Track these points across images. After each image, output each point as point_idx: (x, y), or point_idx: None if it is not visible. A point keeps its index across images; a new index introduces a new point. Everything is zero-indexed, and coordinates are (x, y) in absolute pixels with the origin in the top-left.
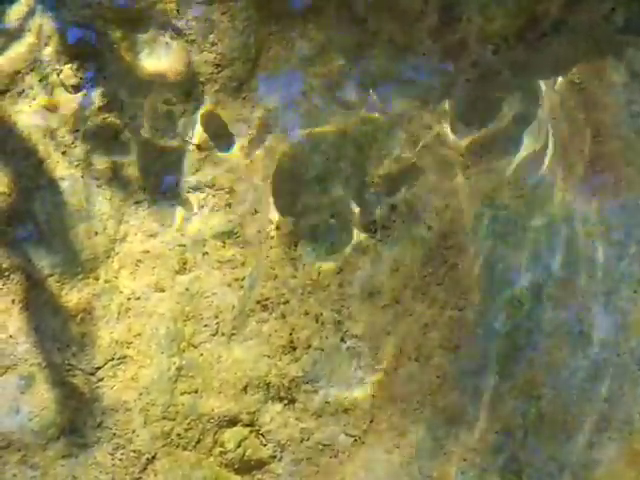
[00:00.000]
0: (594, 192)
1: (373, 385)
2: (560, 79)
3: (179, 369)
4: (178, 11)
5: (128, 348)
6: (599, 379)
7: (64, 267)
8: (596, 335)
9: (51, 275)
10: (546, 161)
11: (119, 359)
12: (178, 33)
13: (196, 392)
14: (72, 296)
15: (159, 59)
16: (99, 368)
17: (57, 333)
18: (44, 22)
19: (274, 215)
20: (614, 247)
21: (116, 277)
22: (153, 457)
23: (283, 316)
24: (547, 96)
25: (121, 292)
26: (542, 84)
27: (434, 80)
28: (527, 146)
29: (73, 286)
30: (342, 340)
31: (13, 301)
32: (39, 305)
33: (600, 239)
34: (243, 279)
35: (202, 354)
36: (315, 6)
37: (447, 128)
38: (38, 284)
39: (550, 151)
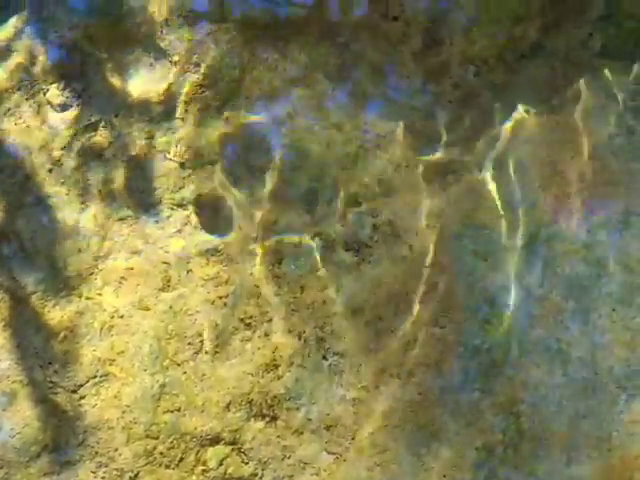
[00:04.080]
0: (572, 212)
1: (355, 402)
2: (538, 101)
3: (162, 387)
4: (162, 32)
5: (111, 366)
6: (577, 397)
7: (47, 284)
8: (574, 353)
9: (34, 292)
10: (525, 181)
11: (102, 377)
12: (162, 54)
13: (179, 410)
14: (55, 314)
15: (143, 79)
16: (81, 386)
17: (40, 350)
18: (31, 43)
19: (258, 232)
20: (592, 266)
21: (100, 294)
22: (136, 475)
23: (266, 334)
24: (525, 117)
25: (104, 310)
26: (521, 105)
27: (417, 101)
28: (506, 166)
29: (56, 303)
30: (324, 358)
31: None
32: (22, 322)
33: (578, 258)
34: (227, 297)
35: (185, 372)
36: (299, 29)
37: (428, 148)
38: (21, 301)
39: (529, 171)
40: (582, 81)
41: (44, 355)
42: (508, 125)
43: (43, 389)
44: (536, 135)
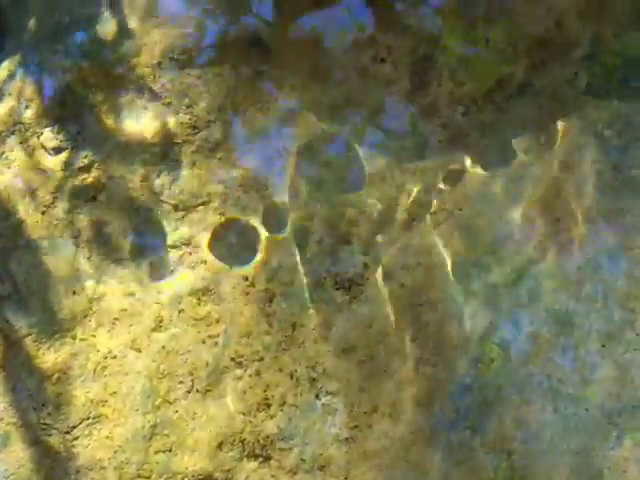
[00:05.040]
0: (561, 248)
1: (348, 442)
2: (526, 139)
3: (154, 427)
4: (155, 75)
5: (103, 406)
6: (569, 434)
7: (41, 327)
8: (565, 390)
9: (28, 335)
10: (515, 218)
11: (94, 418)
12: (155, 96)
13: (170, 450)
14: (49, 356)
15: (137, 121)
16: (74, 427)
17: (33, 392)
18: (25, 86)
19: (249, 272)
20: (581, 302)
21: (93, 336)
22: None
23: (258, 373)
24: (514, 155)
25: (98, 351)
26: (509, 144)
27: (406, 141)
28: (496, 204)
29: (50, 346)
30: (317, 397)
31: None
32: (16, 365)
33: (567, 295)
34: (218, 336)
35: (177, 411)
36: (290, 69)
37: (419, 187)
38: (15, 344)
39: (518, 209)
40: (569, 119)
41: (38, 397)
42: (496, 163)
43: (37, 431)
44: (524, 172)
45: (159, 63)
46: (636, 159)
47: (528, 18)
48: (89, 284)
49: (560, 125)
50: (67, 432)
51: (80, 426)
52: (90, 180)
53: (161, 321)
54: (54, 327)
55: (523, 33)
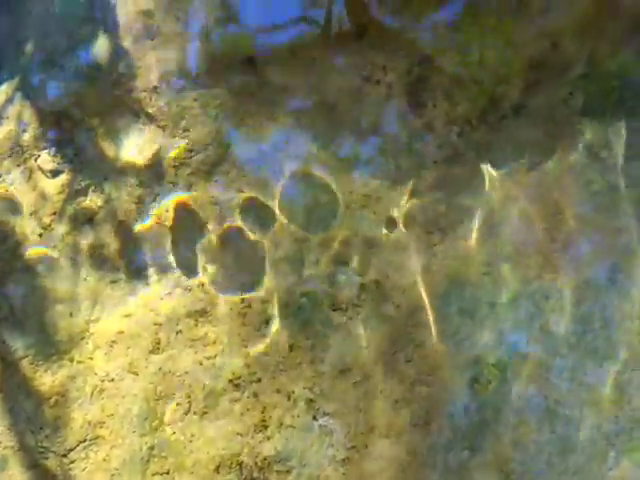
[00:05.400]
0: (557, 268)
1: (345, 463)
2: (521, 159)
3: (151, 449)
4: (151, 98)
5: (101, 429)
6: (567, 454)
7: (38, 349)
8: (562, 411)
9: (25, 357)
10: (510, 239)
11: (91, 440)
12: (151, 120)
13: (167, 473)
14: (46, 378)
15: (133, 144)
16: (71, 450)
17: (31, 415)
18: (23, 109)
19: (246, 293)
20: (578, 323)
21: (91, 358)
22: None
23: (255, 394)
24: (509, 175)
25: (95, 373)
26: (504, 164)
27: (402, 161)
28: (491, 223)
29: (47, 368)
30: (314, 418)
31: None
32: (13, 387)
33: (564, 315)
34: (215, 357)
35: (174, 433)
36: (285, 91)
37: (414, 207)
38: (12, 366)
39: (513, 229)
40: (564, 139)
41: (35, 420)
42: (492, 184)
43: (34, 454)
44: (520, 193)
45: (155, 87)
46: (632, 179)
47: (523, 38)
48: (86, 306)
49: (555, 145)
50: (64, 455)
51: (77, 449)
52: (87, 202)
53: (158, 343)
54: (51, 349)
55: (518, 53)
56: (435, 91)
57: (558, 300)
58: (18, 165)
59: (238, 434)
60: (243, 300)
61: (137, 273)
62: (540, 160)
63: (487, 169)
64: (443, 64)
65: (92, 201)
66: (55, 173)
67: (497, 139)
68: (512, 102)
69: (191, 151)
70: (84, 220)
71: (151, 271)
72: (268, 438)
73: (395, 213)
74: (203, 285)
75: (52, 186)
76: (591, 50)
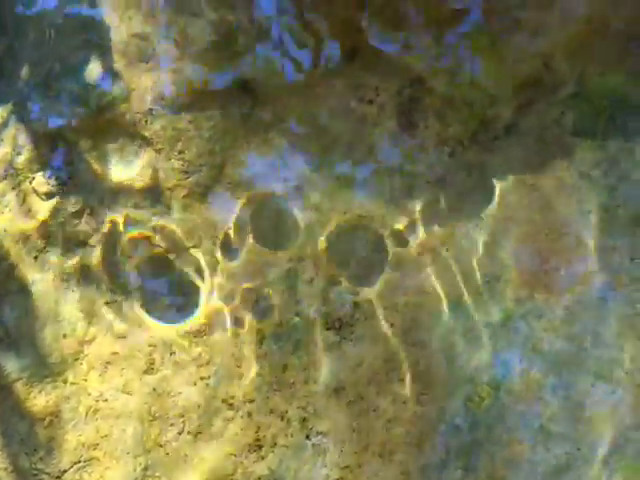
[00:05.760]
0: (550, 288)
1: None
2: (513, 179)
3: (145, 469)
4: (146, 121)
5: (95, 450)
6: (560, 473)
7: (32, 370)
8: (555, 429)
9: (19, 379)
10: (503, 258)
11: (85, 461)
12: (146, 142)
13: None
14: (40, 400)
15: (128, 167)
16: (65, 471)
17: (24, 437)
18: (17, 132)
19: (239, 313)
20: (570, 341)
21: (85, 379)
22: None
23: (249, 414)
24: (501, 195)
25: (89, 394)
26: (496, 184)
27: (394, 182)
28: (483, 243)
29: (41, 389)
30: (307, 437)
31: None
32: (6, 409)
33: (556, 334)
34: (209, 377)
35: (168, 453)
36: (278, 115)
37: (407, 227)
38: (6, 388)
39: (506, 248)
40: (555, 159)
41: (29, 441)
42: (484, 204)
43: (28, 476)
44: (511, 213)
45: (151, 110)
46: (623, 199)
47: (514, 59)
48: (80, 327)
49: (547, 165)
50: (58, 477)
51: (71, 470)
52: (82, 225)
53: (152, 363)
54: (45, 371)
55: (510, 74)
56: (427, 112)
57: (551, 319)
58: (13, 188)
59: (232, 454)
60: (237, 320)
61: (131, 294)
62: (532, 180)
63: (479, 189)
64: (434, 85)
65: (87, 224)
66: (50, 196)
67: (489, 159)
68: (504, 122)
69: (186, 173)
70: (79, 243)
71: (145, 292)
72: (262, 458)
73: (387, 233)
74: (197, 305)
75: (47, 209)
76: (582, 70)
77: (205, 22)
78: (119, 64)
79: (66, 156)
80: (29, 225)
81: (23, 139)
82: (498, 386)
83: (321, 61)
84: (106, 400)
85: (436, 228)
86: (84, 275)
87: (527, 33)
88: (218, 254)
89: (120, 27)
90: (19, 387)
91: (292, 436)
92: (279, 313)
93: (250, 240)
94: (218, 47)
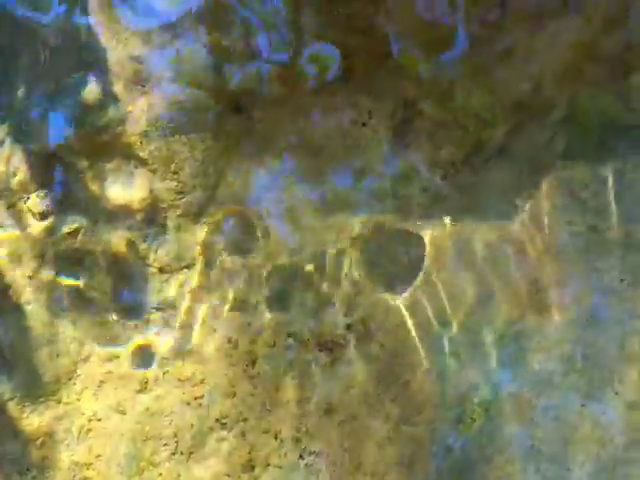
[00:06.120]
0: (540, 309)
1: None
2: (504, 201)
3: None
4: (141, 142)
5: (88, 470)
6: None
7: (26, 390)
8: (547, 449)
9: (12, 398)
10: (494, 280)
11: None
12: (141, 162)
13: None
14: (33, 419)
15: (123, 187)
16: None
17: (17, 457)
18: (12, 152)
19: (232, 333)
20: (561, 362)
21: (78, 399)
22: None
23: (242, 434)
24: (493, 217)
25: (83, 414)
26: (487, 206)
27: (387, 204)
28: (475, 264)
29: (34, 409)
30: (301, 457)
31: None
32: None
33: (548, 354)
34: (202, 397)
35: (161, 473)
36: (271, 136)
37: (399, 249)
38: None
39: (498, 270)
40: (546, 181)
41: (22, 461)
42: (476, 225)
43: None
44: (502, 234)
45: (146, 131)
46: (612, 220)
47: (505, 82)
48: (74, 347)
49: (538, 187)
50: None
51: None
52: (77, 245)
53: (146, 383)
54: (39, 391)
55: (501, 97)
56: (419, 134)
57: (541, 340)
58: (8, 207)
59: (225, 474)
60: (230, 340)
61: (125, 314)
62: (522, 201)
63: (470, 211)
64: (427, 108)
65: (82, 243)
66: (45, 215)
67: (481, 181)
68: (495, 145)
69: (180, 193)
70: (74, 262)
71: (140, 311)
72: (255, 478)
73: (380, 254)
74: (190, 325)
75: (41, 228)
76: (572, 94)
77: (200, 45)
78: (115, 86)
79: (61, 176)
80: (23, 245)
81: (18, 159)
82: (489, 406)
83: (316, 83)
84: (99, 419)
85: (428, 250)
86: (79, 295)
87: (518, 57)
88: (211, 274)
89: (117, 48)
90: (12, 407)
91: (285, 456)
92: (272, 334)
93: (243, 260)
94: (213, 69)
